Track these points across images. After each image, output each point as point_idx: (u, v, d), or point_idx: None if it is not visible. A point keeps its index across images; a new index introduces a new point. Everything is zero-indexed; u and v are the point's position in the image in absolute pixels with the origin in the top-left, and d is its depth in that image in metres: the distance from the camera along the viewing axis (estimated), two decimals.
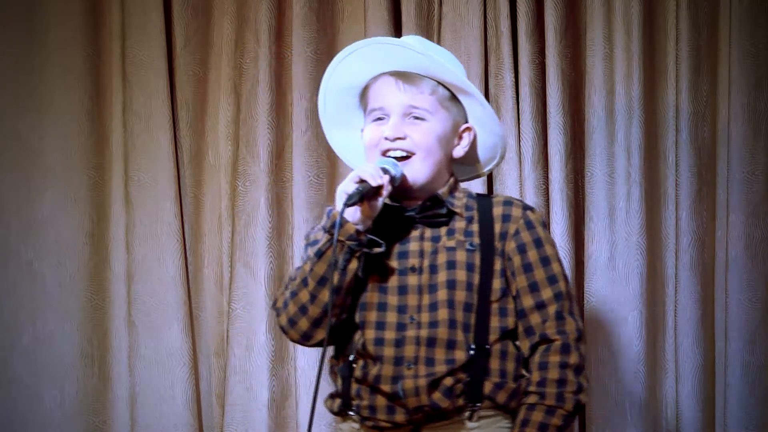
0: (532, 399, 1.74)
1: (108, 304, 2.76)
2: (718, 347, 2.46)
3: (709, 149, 2.50)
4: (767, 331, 2.41)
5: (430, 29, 2.63)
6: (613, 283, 2.49)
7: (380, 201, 1.74)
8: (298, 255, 2.69)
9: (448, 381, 1.74)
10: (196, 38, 2.78)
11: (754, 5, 2.41)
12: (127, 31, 2.74)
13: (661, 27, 2.53)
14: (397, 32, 2.63)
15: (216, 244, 2.81)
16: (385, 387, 1.75)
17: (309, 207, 2.69)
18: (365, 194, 1.70)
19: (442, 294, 1.77)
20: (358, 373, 1.79)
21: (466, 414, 1.76)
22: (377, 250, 1.73)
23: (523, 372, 1.81)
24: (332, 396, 1.87)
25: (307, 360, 2.65)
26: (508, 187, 2.58)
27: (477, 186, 2.56)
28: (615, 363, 2.51)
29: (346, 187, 1.70)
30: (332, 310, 1.74)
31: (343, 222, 1.70)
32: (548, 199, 2.55)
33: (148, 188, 2.75)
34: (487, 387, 1.76)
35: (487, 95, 2.59)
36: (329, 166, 2.79)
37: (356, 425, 1.82)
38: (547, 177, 2.55)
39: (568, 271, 2.53)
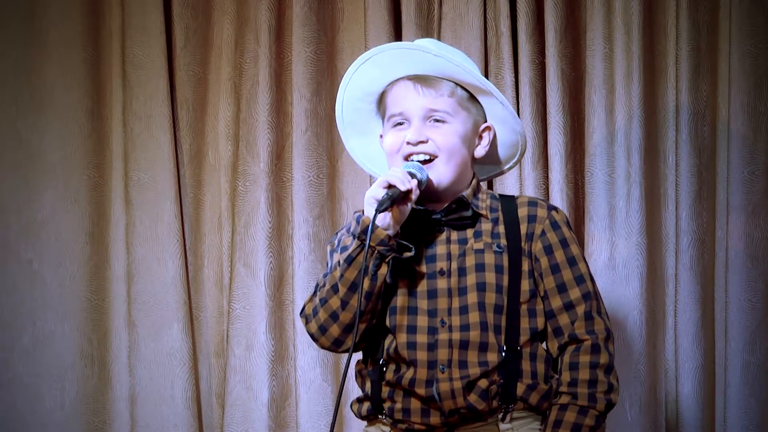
0: (564, 399, 1.74)
1: (108, 304, 2.76)
2: (718, 347, 2.46)
3: (709, 149, 2.50)
4: (767, 331, 2.41)
5: (430, 29, 2.63)
6: (613, 283, 2.49)
7: (409, 205, 1.74)
8: (298, 255, 2.69)
9: (483, 383, 1.74)
10: (196, 38, 2.78)
11: (754, 5, 2.41)
12: (127, 31, 2.74)
13: (661, 27, 2.53)
14: (397, 32, 2.63)
15: (216, 244, 2.81)
16: (420, 390, 1.75)
17: (309, 207, 2.69)
18: (395, 199, 1.70)
19: (472, 297, 1.77)
20: (390, 376, 1.79)
21: (500, 416, 1.77)
22: (407, 254, 1.74)
23: (552, 373, 1.81)
24: (360, 400, 1.87)
25: (306, 360, 2.64)
26: (507, 187, 2.58)
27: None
28: (615, 363, 2.50)
29: (375, 192, 1.70)
30: (363, 315, 1.75)
31: (374, 228, 1.70)
32: (548, 199, 2.55)
33: (148, 188, 2.75)
34: (520, 389, 1.76)
35: None
36: (329, 166, 2.79)
37: (386, 428, 1.82)
38: (547, 177, 2.55)
39: None
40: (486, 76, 2.59)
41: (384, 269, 1.73)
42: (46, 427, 2.74)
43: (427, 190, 1.79)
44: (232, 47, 2.72)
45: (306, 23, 2.66)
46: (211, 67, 2.78)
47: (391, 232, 1.72)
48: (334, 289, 1.77)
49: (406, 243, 1.74)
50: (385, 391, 1.79)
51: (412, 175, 1.74)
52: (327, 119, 2.69)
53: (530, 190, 2.55)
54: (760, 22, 2.41)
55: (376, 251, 1.72)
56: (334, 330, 1.79)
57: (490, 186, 2.61)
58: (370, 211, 1.70)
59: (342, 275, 1.75)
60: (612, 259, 2.51)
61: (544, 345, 1.83)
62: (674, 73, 2.49)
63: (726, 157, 2.44)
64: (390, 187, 1.70)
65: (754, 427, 2.39)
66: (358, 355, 1.87)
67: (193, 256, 2.79)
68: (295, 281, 2.69)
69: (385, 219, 1.71)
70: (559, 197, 2.53)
